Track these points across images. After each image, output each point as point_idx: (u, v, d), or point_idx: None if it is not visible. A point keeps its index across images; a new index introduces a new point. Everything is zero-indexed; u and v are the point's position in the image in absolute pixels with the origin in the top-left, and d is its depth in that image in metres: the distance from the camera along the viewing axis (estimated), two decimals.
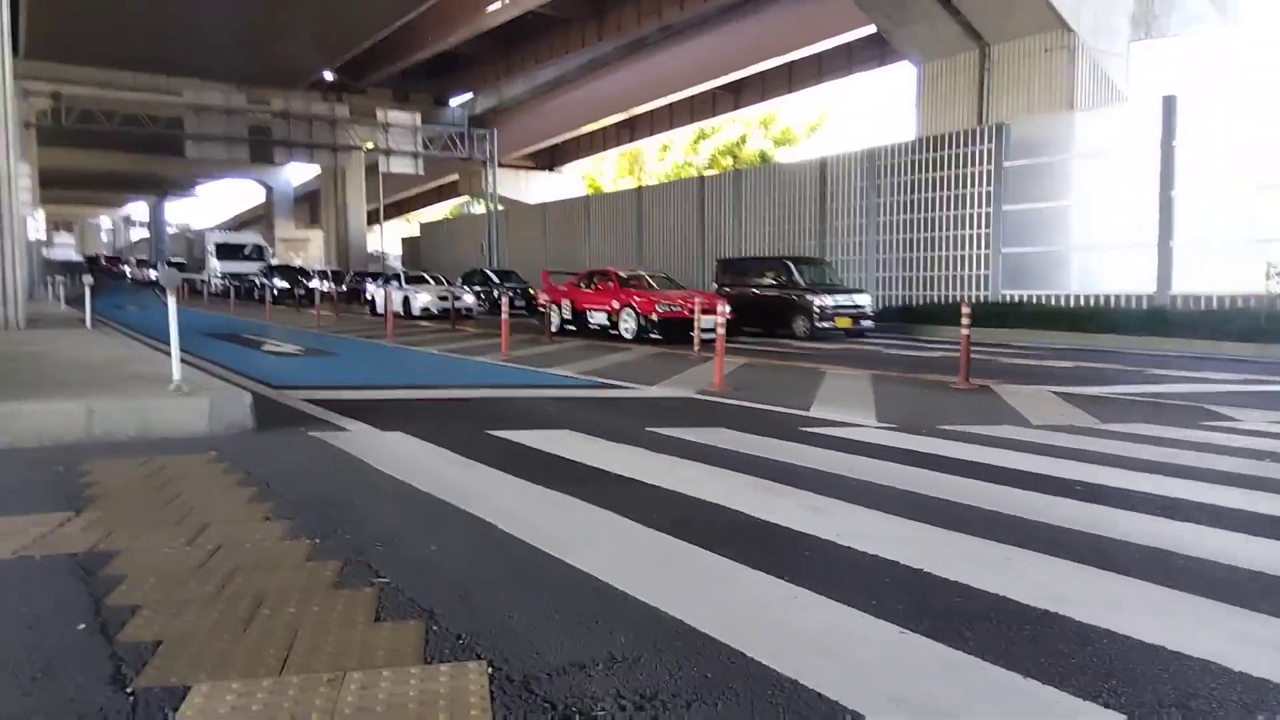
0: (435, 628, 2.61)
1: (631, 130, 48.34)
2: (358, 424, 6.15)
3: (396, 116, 36.97)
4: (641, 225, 30.32)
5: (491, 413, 7.00)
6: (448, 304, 22.69)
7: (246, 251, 42.60)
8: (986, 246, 19.67)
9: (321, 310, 24.34)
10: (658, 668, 2.37)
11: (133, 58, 36.87)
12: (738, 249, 26.07)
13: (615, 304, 15.89)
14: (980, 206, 19.77)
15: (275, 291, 33.49)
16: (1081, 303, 17.78)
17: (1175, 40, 23.13)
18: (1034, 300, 18.42)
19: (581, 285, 17.50)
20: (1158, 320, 15.24)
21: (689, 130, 50.46)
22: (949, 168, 20.45)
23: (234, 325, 19.04)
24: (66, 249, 79.07)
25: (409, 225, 62.18)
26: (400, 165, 36.78)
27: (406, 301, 23.91)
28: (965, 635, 2.58)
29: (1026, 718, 2.11)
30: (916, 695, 2.22)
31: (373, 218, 49.42)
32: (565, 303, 17.05)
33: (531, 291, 27.13)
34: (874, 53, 34.35)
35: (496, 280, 29.13)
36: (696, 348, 13.14)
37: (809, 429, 6.27)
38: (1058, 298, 18.24)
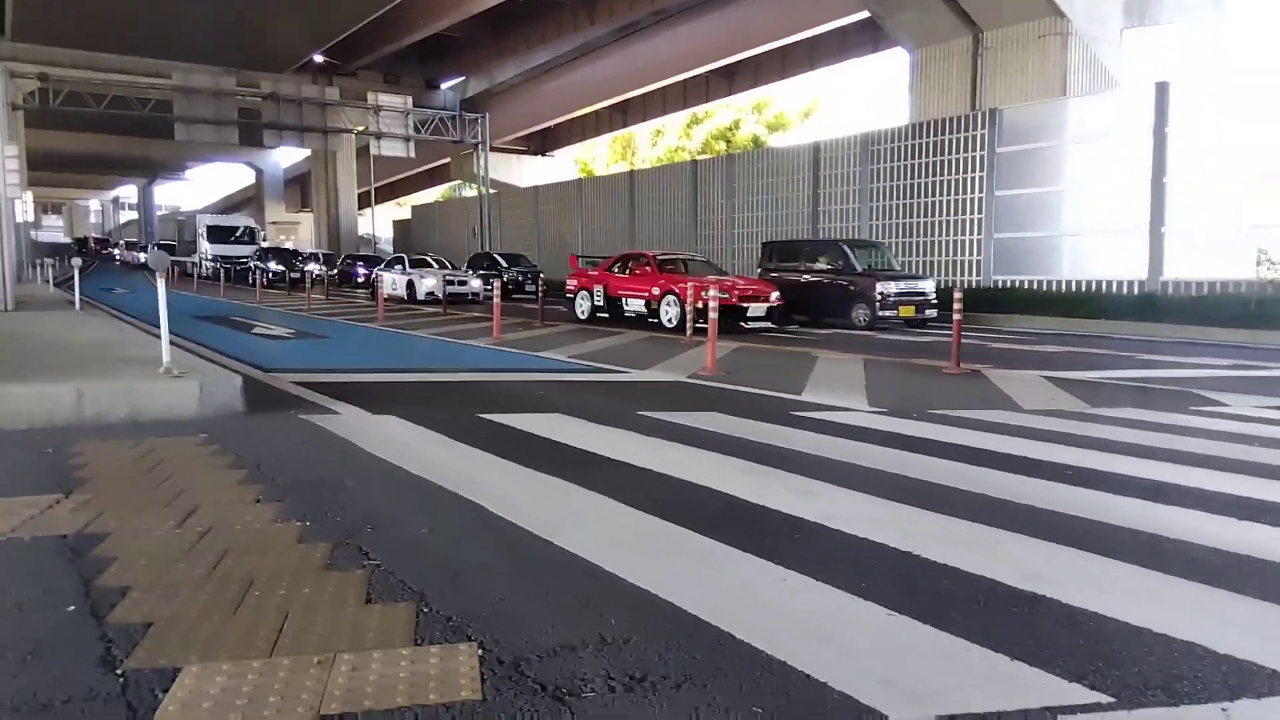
0: (426, 609, 2.62)
1: (624, 115, 48.12)
2: (348, 407, 6.14)
3: (387, 99, 36.71)
4: (634, 209, 30.24)
5: (482, 396, 7.00)
6: (454, 289, 22.28)
7: (238, 234, 42.32)
8: (979, 232, 19.69)
9: (312, 294, 24.26)
10: (648, 650, 2.38)
11: (120, 39, 36.47)
12: (730, 233, 26.05)
13: (656, 290, 14.69)
14: (973, 192, 19.77)
15: (270, 275, 33.11)
16: (1073, 288, 17.82)
17: (1168, 29, 23.11)
18: (1026, 285, 18.46)
19: (615, 270, 16.28)
20: (1148, 306, 15.29)
21: (682, 115, 50.27)
22: (942, 153, 20.43)
23: (224, 308, 18.96)
24: (55, 231, 78.51)
25: (400, 209, 61.87)
26: (391, 148, 36.56)
27: (411, 286, 23.41)
28: (953, 617, 2.60)
29: (1013, 698, 2.12)
30: (905, 677, 2.23)
31: (363, 201, 49.14)
32: (598, 289, 15.98)
33: (542, 275, 26.65)
34: (867, 38, 34.24)
35: (504, 264, 28.18)
36: (689, 333, 13.12)
37: (800, 413, 6.28)
38: (1050, 283, 18.28)
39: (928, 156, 20.74)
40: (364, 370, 8.86)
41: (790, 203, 24.44)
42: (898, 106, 23.08)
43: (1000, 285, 18.87)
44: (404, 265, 24.96)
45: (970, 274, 19.74)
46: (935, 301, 15.87)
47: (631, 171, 34.07)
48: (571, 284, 16.98)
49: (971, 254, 19.83)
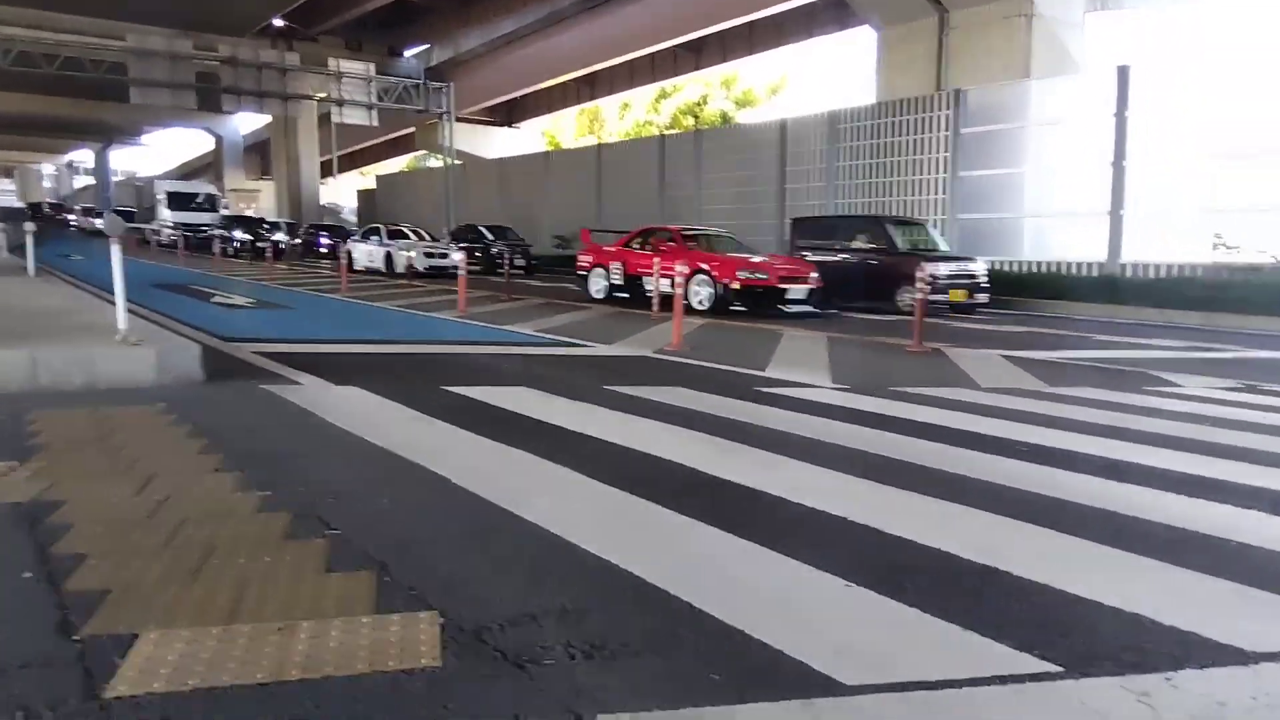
0: (387, 579, 2.62)
1: (592, 87, 47.70)
2: (310, 378, 6.08)
3: (349, 66, 36.02)
4: (601, 182, 30.09)
5: (447, 368, 6.97)
6: (434, 261, 21.29)
7: (199, 201, 41.40)
8: (943, 212, 19.85)
9: (274, 263, 23.87)
10: (608, 619, 2.40)
11: None
12: (697, 209, 26.01)
13: (684, 268, 13.98)
14: (937, 172, 19.92)
15: (238, 245, 32.13)
16: (1034, 269, 18.08)
17: (1130, 12, 23.37)
18: (989, 266, 18.68)
19: (635, 246, 15.04)
20: (1108, 288, 15.56)
21: (650, 89, 49.94)
22: (907, 133, 20.53)
23: (184, 277, 18.61)
24: (7, 196, 76.37)
25: (364, 178, 60.99)
26: (353, 116, 35.93)
27: (389, 258, 22.24)
28: (907, 588, 2.65)
29: (964, 667, 2.18)
30: (859, 645, 2.28)
31: (326, 169, 48.31)
32: (615, 266, 14.71)
33: (532, 250, 25.82)
34: (834, 16, 34.14)
35: (490, 237, 26.60)
36: (656, 308, 13.10)
37: (764, 389, 6.33)
38: (1011, 264, 18.52)
39: (893, 136, 20.84)
40: (326, 341, 8.76)
41: (758, 180, 24.45)
42: (865, 85, 23.15)
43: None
44: (381, 236, 23.63)
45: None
46: (987, 285, 14.92)
47: (599, 145, 33.88)
48: (585, 260, 15.65)
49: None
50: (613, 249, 15.34)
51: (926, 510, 3.48)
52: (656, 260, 13.67)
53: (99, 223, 48.95)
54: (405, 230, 24.27)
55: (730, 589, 2.63)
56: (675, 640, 2.29)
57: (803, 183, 23.23)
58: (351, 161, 63.09)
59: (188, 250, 30.82)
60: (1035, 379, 7.18)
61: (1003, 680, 2.11)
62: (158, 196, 42.50)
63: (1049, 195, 18.42)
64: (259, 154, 65.65)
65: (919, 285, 9.77)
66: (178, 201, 40.84)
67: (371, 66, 37.23)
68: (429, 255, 21.54)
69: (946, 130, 19.70)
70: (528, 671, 2.11)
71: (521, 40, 43.52)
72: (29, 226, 16.15)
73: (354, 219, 44.84)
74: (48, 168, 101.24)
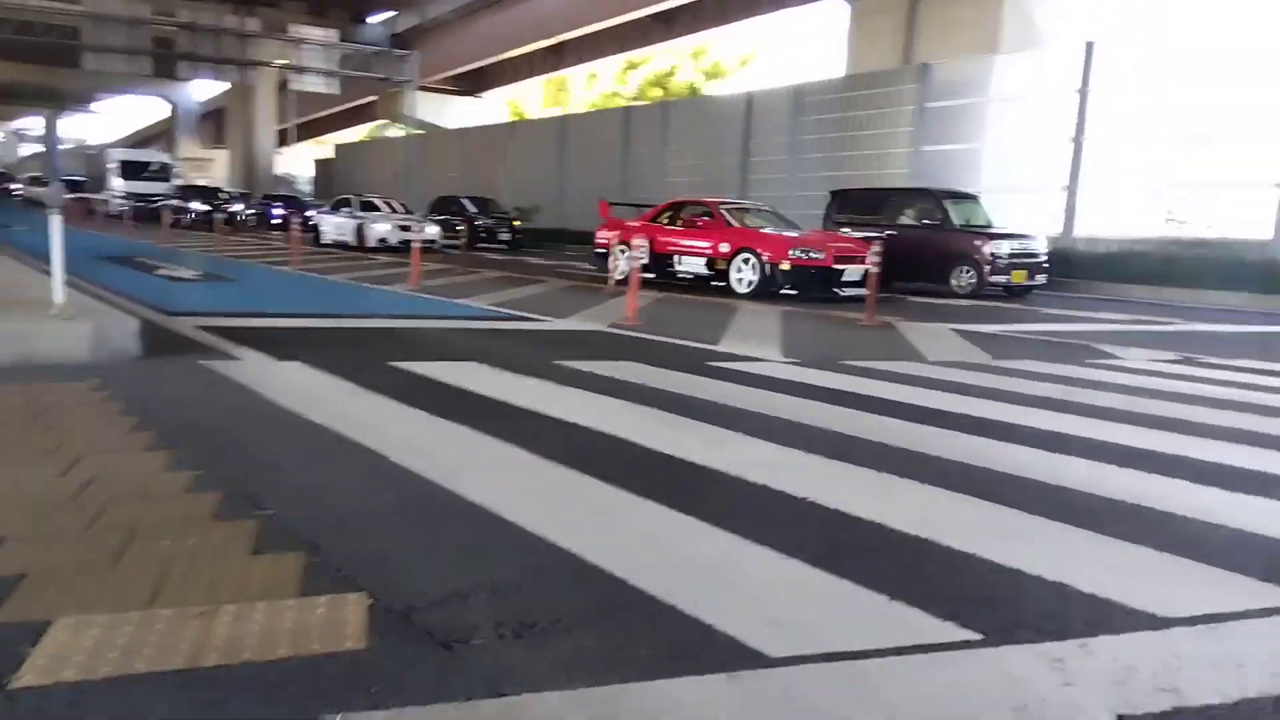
0: (316, 560, 2.58)
1: (559, 57, 47.07)
2: (252, 353, 5.97)
3: (311, 33, 35.32)
4: (564, 154, 29.85)
5: (396, 343, 6.88)
6: (409, 235, 20.40)
7: (152, 170, 40.40)
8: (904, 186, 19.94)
9: (226, 235, 23.40)
10: (541, 597, 2.39)
11: None
12: (662, 181, 25.90)
13: (725, 247, 12.22)
14: (901, 146, 19.99)
15: (194, 215, 31.15)
16: None
17: None
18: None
19: (664, 221, 13.70)
20: (1062, 262, 15.75)
21: (618, 60, 49.42)
22: (873, 107, 20.56)
23: (132, 249, 18.17)
24: None
25: (322, 147, 59.86)
26: (314, 84, 35.30)
27: (360, 231, 21.23)
28: (843, 561, 2.67)
29: (889, 637, 2.20)
30: (791, 619, 2.29)
31: (282, 138, 47.36)
32: (639, 242, 12.82)
33: (516, 223, 24.71)
34: None
35: (473, 210, 25.15)
36: (611, 282, 13.06)
37: (716, 363, 6.34)
38: None
39: (858, 110, 20.86)
40: (272, 315, 8.60)
41: (723, 151, 24.38)
42: (836, 58, 23.13)
43: None
44: (352, 208, 22.46)
45: None
46: (1048, 265, 14.01)
47: (564, 116, 33.55)
48: (604, 236, 14.06)
49: None
50: (637, 224, 13.89)
51: (868, 483, 3.50)
52: (690, 238, 12.74)
53: (44, 192, 47.62)
54: (377, 202, 23.19)
55: (668, 565, 2.63)
56: (608, 617, 2.29)
57: (767, 155, 23.21)
58: (309, 130, 61.83)
59: (136, 221, 30.06)
60: (982, 352, 7.28)
61: (924, 649, 2.13)
62: (108, 165, 41.40)
63: (1008, 170, 18.57)
64: (214, 122, 64.21)
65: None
66: (130, 170, 39.83)
67: (334, 33, 36.52)
68: (403, 229, 20.54)
69: (911, 105, 19.75)
70: (455, 651, 2.09)
71: (489, 8, 42.83)
72: None
73: (310, 189, 44.03)
74: None
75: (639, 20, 40.14)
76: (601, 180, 27.89)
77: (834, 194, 16.31)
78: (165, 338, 6.51)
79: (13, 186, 59.18)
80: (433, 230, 21.41)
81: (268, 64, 35.45)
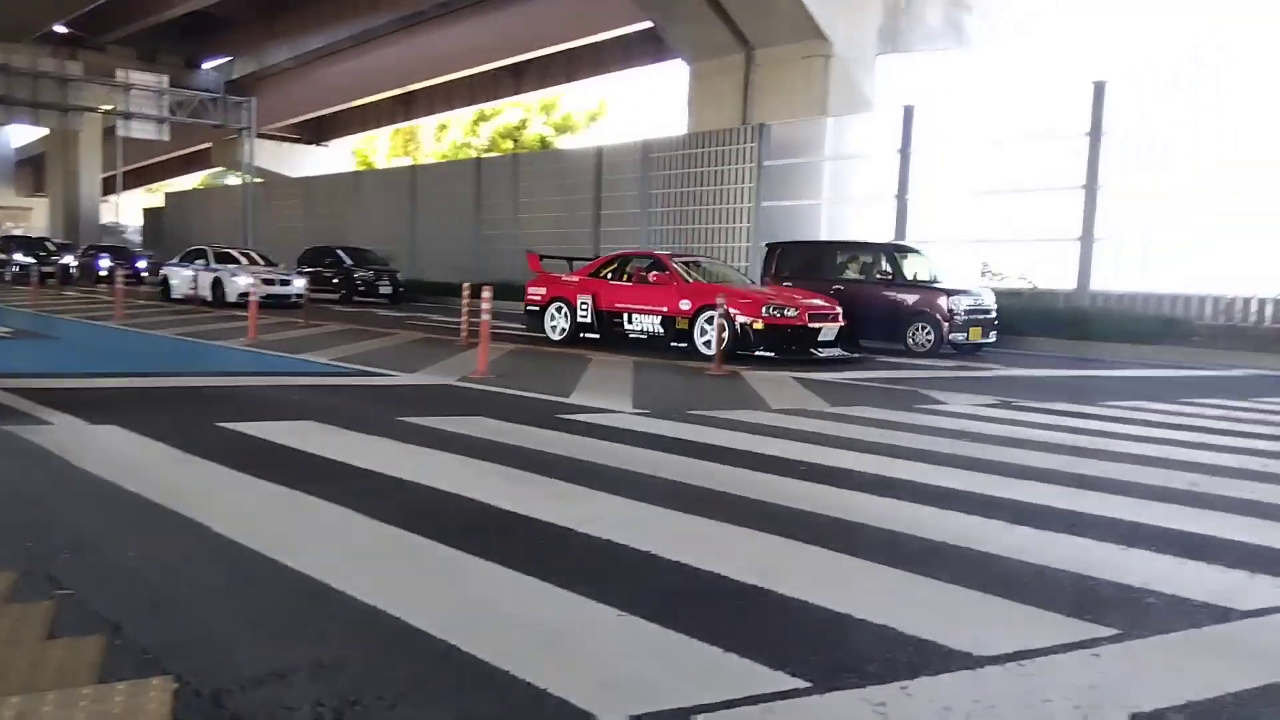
0: (119, 642, 2.38)
1: (407, 107, 46.72)
2: (64, 417, 5.52)
3: (140, 77, 33.57)
4: (415, 205, 29.44)
5: (226, 403, 6.53)
6: (274, 290, 18.80)
7: None
8: (748, 240, 20.76)
9: (45, 288, 21.68)
10: (366, 671, 2.28)
11: None
12: (515, 233, 25.93)
13: (686, 304, 11.38)
14: (743, 202, 20.83)
15: (16, 268, 28.03)
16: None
17: (917, 56, 25.38)
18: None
19: (608, 275, 12.73)
20: None
21: (468, 111, 49.48)
22: (716, 164, 21.37)
23: None
24: None
25: (153, 195, 56.73)
26: (143, 130, 33.46)
27: (218, 285, 19.39)
28: (680, 614, 2.69)
29: (722, 689, 2.22)
30: (625, 677, 2.28)
31: (109, 186, 44.60)
32: (583, 300, 12.32)
33: (399, 275, 23.58)
34: (650, 48, 35.16)
35: (349, 260, 23.77)
36: (464, 335, 12.85)
37: (566, 416, 6.34)
38: None
39: (703, 166, 21.64)
40: (90, 375, 8.00)
41: (575, 205, 24.69)
42: (681, 116, 23.96)
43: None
44: (207, 260, 20.47)
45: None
46: (997, 322, 13.61)
47: (414, 167, 33.15)
48: (537, 293, 13.07)
49: (740, 261, 20.83)
50: (575, 279, 12.91)
51: (708, 534, 3.56)
52: (643, 295, 11.90)
53: None
54: (234, 253, 21.53)
55: (502, 628, 2.57)
56: (435, 687, 2.21)
57: (618, 209, 23.67)
58: (139, 178, 58.60)
59: None
60: (821, 399, 7.59)
61: (754, 700, 2.16)
62: None
63: (844, 225, 19.65)
64: (32, 168, 59.83)
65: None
66: None
67: (165, 78, 34.86)
68: (267, 282, 18.75)
69: (751, 162, 20.65)
70: None
71: (333, 56, 42.10)
72: None
73: (138, 239, 41.55)
74: None
75: (489, 73, 40.46)
76: (455, 232, 27.65)
77: (771, 248, 15.38)
78: None
79: None
80: (299, 283, 20.03)
81: (91, 109, 33.40)
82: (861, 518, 3.84)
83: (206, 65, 45.26)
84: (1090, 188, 15.71)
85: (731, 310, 10.67)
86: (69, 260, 28.95)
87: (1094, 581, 3.11)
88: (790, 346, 10.88)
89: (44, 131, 45.41)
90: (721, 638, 2.52)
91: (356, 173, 37.94)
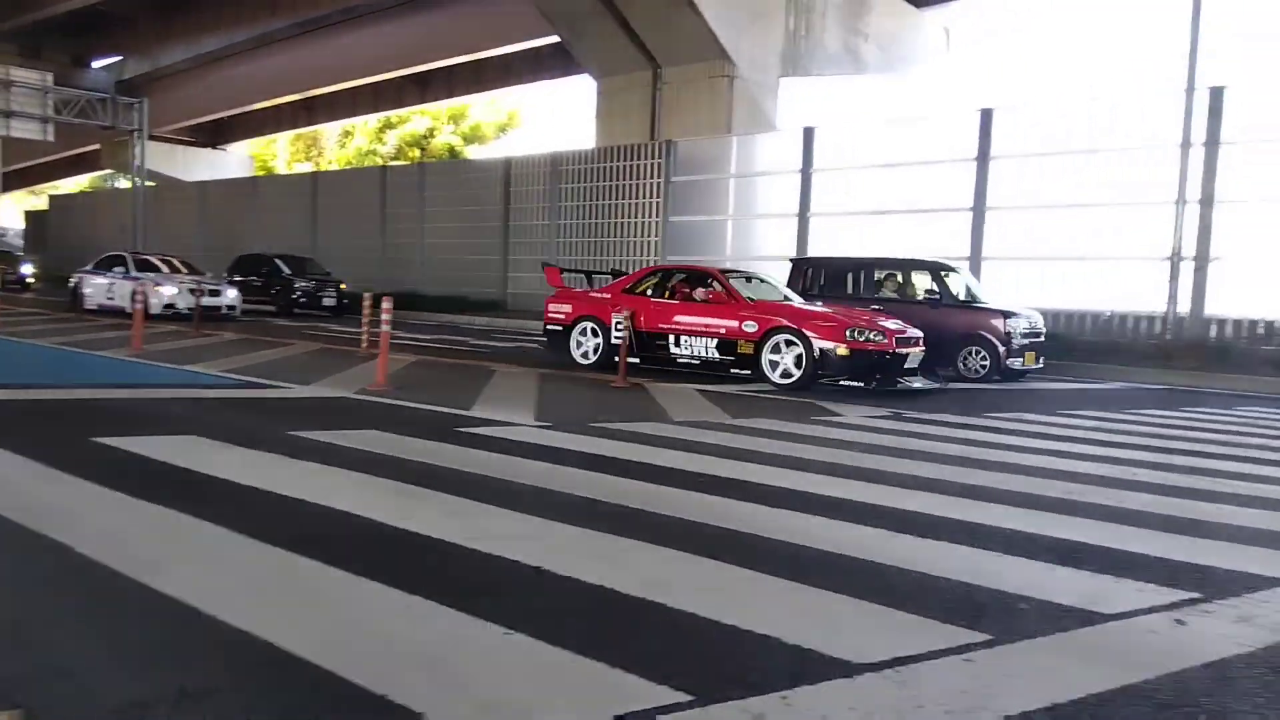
0: None
1: (309, 112, 45.56)
2: None
3: (21, 75, 31.73)
4: (317, 212, 28.70)
5: (105, 416, 6.21)
6: (206, 300, 17.25)
7: None
8: (655, 254, 20.93)
9: None
10: (235, 699, 2.19)
11: None
12: (422, 242, 25.54)
13: (751, 326, 10.06)
14: (652, 216, 21.01)
15: None
16: None
17: (817, 79, 26.11)
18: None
19: (649, 292, 11.34)
20: None
21: (374, 118, 48.62)
22: (624, 178, 21.51)
23: None
24: None
25: (36, 198, 53.82)
26: (25, 130, 31.65)
27: (139, 295, 17.85)
28: (567, 631, 2.66)
29: (606, 706, 2.21)
30: (505, 698, 2.24)
31: None
32: (620, 319, 10.62)
33: (343, 286, 21.93)
34: (560, 62, 35.17)
35: (287, 270, 22.30)
36: (364, 344, 12.56)
37: (464, 429, 6.24)
38: None
39: (611, 180, 21.76)
40: None
41: (484, 216, 24.49)
42: (591, 129, 24.19)
43: None
44: (127, 267, 18.76)
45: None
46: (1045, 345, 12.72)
47: (316, 173, 32.32)
48: (560, 311, 11.60)
49: None
50: (606, 295, 11.45)
51: (601, 547, 3.55)
52: (696, 315, 10.54)
53: None
54: (155, 261, 19.81)
55: (383, 650, 2.50)
56: (308, 715, 2.13)
57: (528, 220, 23.57)
58: (22, 179, 55.52)
59: None
60: (722, 411, 7.69)
61: (636, 716, 2.16)
62: None
63: (750, 241, 20.03)
64: None
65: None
66: None
67: (49, 76, 33.06)
68: (196, 292, 17.38)
69: (659, 178, 20.87)
70: None
71: (231, 58, 40.74)
72: None
73: (20, 244, 39.35)
74: None
75: (394, 80, 39.83)
76: (359, 241, 27.06)
77: (797, 264, 13.94)
78: None
79: None
80: (232, 294, 18.82)
81: None
82: (754, 528, 3.89)
83: (96, 64, 43.22)
84: (978, 209, 16.41)
85: (808, 333, 9.59)
86: None
87: (971, 588, 3.22)
88: (875, 375, 9.75)
89: None
90: (607, 654, 2.51)
91: (255, 178, 36.80)
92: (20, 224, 45.75)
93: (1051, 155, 15.78)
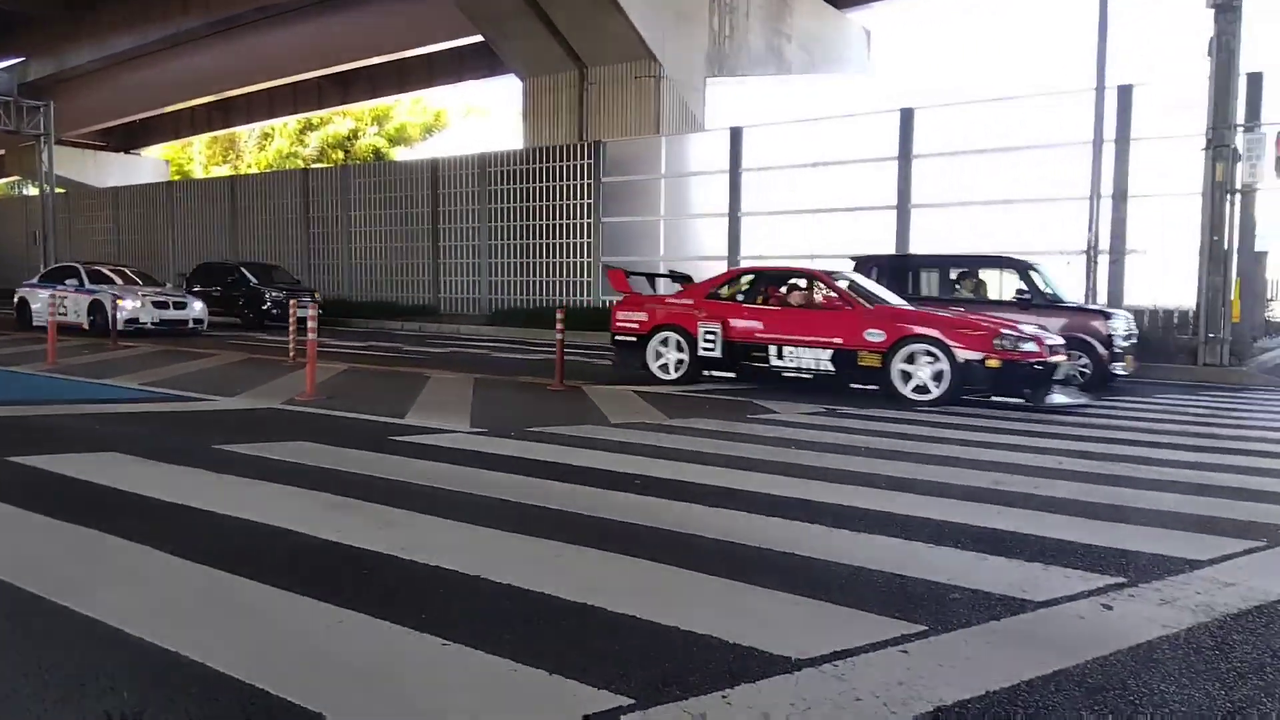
0: None
1: (226, 115, 44.31)
2: None
3: None
4: (236, 217, 27.95)
5: (15, 433, 5.95)
6: (168, 314, 16.49)
7: None
8: (588, 255, 20.91)
9: None
10: None
11: None
12: (347, 246, 25.06)
13: (873, 335, 8.95)
14: (583, 217, 20.97)
15: None
16: None
17: (744, 80, 26.42)
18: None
19: (740, 297, 10.18)
20: None
21: (293, 120, 47.54)
22: (554, 179, 21.42)
23: None
24: None
25: None
26: None
27: (95, 309, 16.20)
28: (506, 639, 2.64)
29: (544, 714, 2.20)
30: (444, 710, 2.21)
31: None
32: (708, 328, 9.78)
33: (317, 296, 20.52)
34: (485, 62, 34.84)
35: (253, 279, 20.80)
36: (292, 354, 12.25)
37: (398, 438, 6.14)
38: None
39: (541, 182, 21.65)
40: None
41: (411, 219, 24.15)
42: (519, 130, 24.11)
43: (607, 305, 20.16)
44: (80, 279, 17.22)
45: (582, 294, 20.91)
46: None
47: (234, 177, 31.45)
48: (634, 319, 10.47)
49: (583, 275, 21.01)
50: (687, 302, 10.29)
51: (539, 553, 3.52)
52: (804, 322, 9.45)
53: None
54: (106, 271, 18.21)
55: (317, 667, 2.45)
56: None
57: (457, 222, 23.31)
58: None
59: None
60: (659, 412, 7.72)
61: None
62: None
63: (683, 242, 20.14)
64: None
65: (558, 325, 9.40)
66: None
67: None
68: (160, 305, 16.44)
69: (589, 179, 20.83)
70: None
71: (143, 59, 39.36)
72: None
73: None
74: None
75: (314, 81, 39.00)
76: (281, 246, 26.43)
77: (862, 262, 12.51)
78: None
79: None
80: (199, 306, 17.53)
81: None
82: (692, 529, 3.91)
83: None
84: (903, 207, 16.79)
85: (950, 342, 8.54)
86: None
87: (905, 580, 3.29)
88: (1025, 389, 8.63)
89: None
90: (547, 661, 2.49)
91: (170, 183, 35.58)
92: None
93: (973, 154, 16.21)
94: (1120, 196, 14.71)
